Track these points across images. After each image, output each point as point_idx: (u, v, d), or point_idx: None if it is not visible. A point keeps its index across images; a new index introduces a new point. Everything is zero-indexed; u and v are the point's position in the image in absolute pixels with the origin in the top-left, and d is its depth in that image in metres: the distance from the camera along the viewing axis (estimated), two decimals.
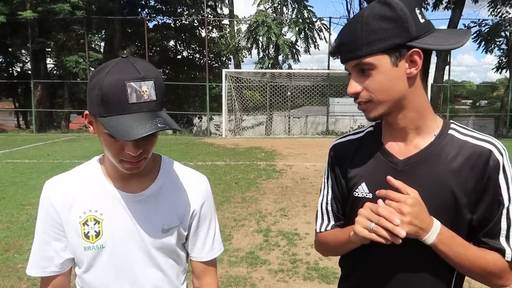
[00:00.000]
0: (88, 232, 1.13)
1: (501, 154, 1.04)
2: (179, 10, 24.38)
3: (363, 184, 1.15)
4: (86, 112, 1.08)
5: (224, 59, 26.11)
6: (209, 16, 23.12)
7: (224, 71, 17.23)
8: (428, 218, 1.00)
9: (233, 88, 17.43)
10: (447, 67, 19.14)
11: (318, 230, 1.27)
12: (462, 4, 18.98)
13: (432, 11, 20.64)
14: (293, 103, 21.39)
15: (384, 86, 1.04)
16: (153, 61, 22.77)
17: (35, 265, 1.17)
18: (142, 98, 0.98)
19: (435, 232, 0.99)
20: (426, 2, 20.14)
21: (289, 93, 20.01)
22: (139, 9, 23.84)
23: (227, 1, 24.22)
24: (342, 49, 1.05)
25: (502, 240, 1.05)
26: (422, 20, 1.01)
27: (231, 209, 6.08)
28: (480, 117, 22.52)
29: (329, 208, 1.25)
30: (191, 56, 27.22)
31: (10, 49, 21.03)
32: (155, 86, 1.01)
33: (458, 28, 19.23)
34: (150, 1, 24.58)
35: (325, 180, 1.27)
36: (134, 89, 0.98)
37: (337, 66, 19.16)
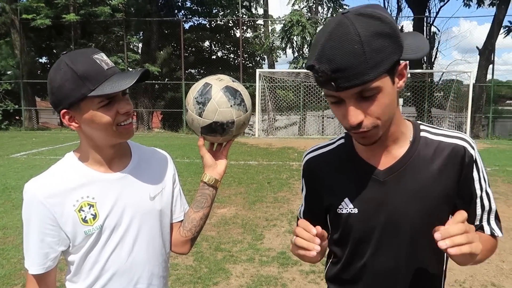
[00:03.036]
0: (85, 217, 1.19)
1: (473, 148, 1.09)
2: (214, 11, 24.67)
3: (346, 200, 1.13)
4: (63, 111, 1.16)
5: (258, 59, 26.19)
6: (244, 16, 23.27)
7: (258, 71, 17.26)
8: None
9: (267, 88, 17.44)
10: (490, 66, 18.23)
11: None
12: (508, 0, 18.06)
13: (477, 8, 19.79)
14: (327, 103, 21.06)
15: (389, 108, 0.97)
16: (189, 61, 23.16)
17: (34, 263, 1.19)
18: (109, 64, 1.16)
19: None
20: None
21: (323, 93, 19.75)
22: (176, 11, 24.29)
23: (261, 1, 24.29)
24: (340, 76, 0.89)
25: (484, 223, 1.13)
26: None
27: (263, 209, 6.08)
28: None
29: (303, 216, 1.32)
30: (225, 56, 27.46)
31: (54, 51, 21.96)
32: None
33: (503, 25, 18.38)
34: (187, 3, 25.02)
35: (302, 192, 1.31)
36: (100, 60, 1.15)
37: None
